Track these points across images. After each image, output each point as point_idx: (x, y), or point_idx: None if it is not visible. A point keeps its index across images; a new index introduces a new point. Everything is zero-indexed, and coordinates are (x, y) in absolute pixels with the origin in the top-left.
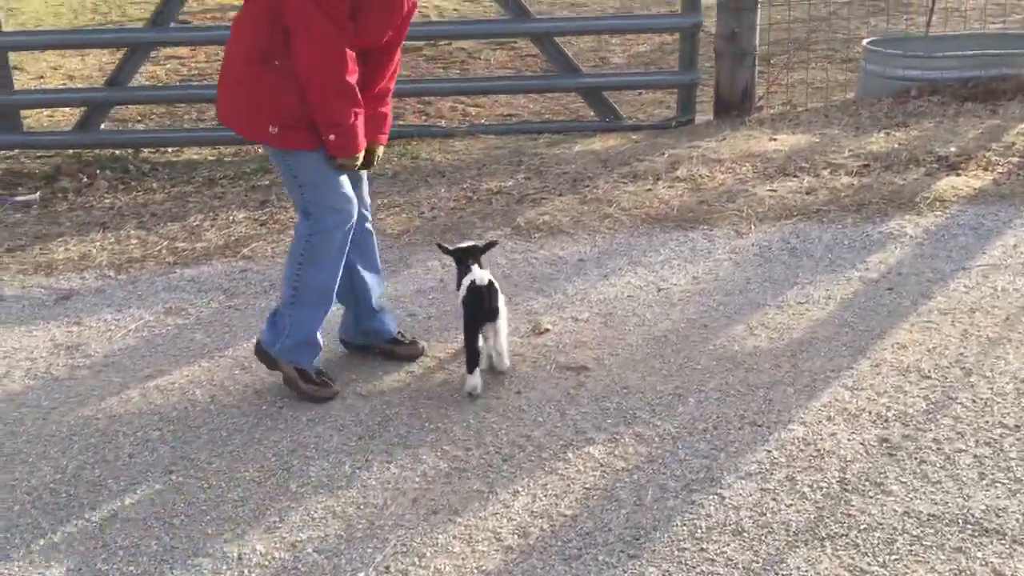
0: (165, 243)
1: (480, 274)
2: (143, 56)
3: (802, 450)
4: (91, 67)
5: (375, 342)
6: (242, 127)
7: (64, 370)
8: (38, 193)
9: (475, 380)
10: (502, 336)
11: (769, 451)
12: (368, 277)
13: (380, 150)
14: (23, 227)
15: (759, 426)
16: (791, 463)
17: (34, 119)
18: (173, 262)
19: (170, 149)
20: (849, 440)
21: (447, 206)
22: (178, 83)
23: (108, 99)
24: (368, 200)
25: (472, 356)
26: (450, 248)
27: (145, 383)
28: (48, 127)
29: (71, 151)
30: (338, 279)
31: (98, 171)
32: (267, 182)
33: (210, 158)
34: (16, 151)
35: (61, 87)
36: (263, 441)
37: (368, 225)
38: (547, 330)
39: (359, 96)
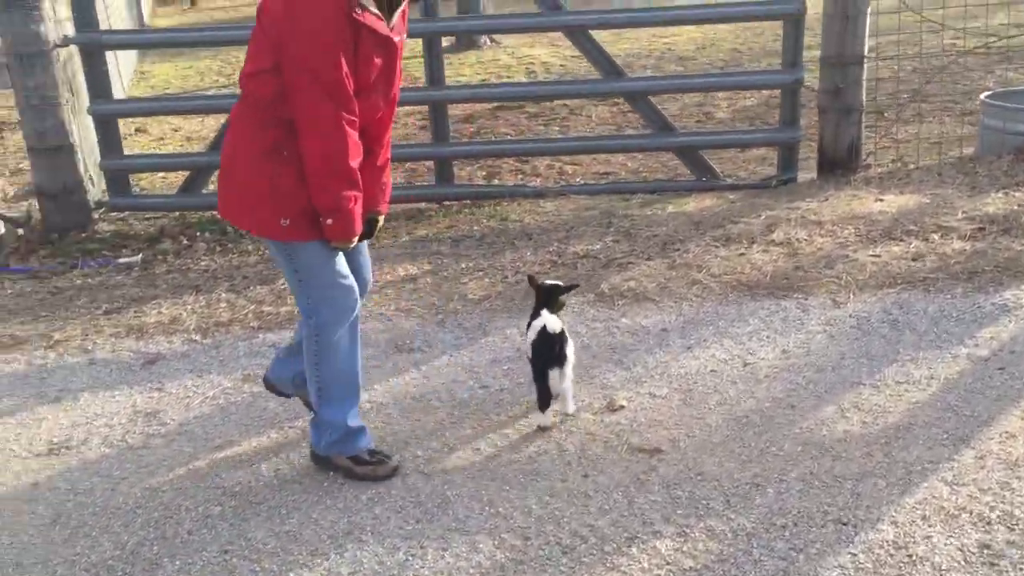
0: (252, 307)
1: (552, 320)
2: None
3: (891, 555)
4: (209, 127)
5: (297, 392)
6: (248, 221)
7: (139, 438)
8: (140, 256)
9: (547, 419)
10: (568, 381)
11: (854, 555)
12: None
13: (381, 219)
14: (122, 289)
15: (844, 524)
16: (878, 570)
17: (147, 181)
18: (257, 326)
19: None
20: (946, 545)
21: (532, 271)
22: None
23: (211, 163)
24: (368, 272)
25: (544, 396)
26: (538, 282)
27: (214, 454)
28: (159, 188)
29: (176, 213)
30: (359, 364)
31: (198, 233)
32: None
33: None
34: (126, 213)
35: (166, 152)
36: (320, 521)
37: (369, 283)
38: (622, 407)
39: (359, 181)
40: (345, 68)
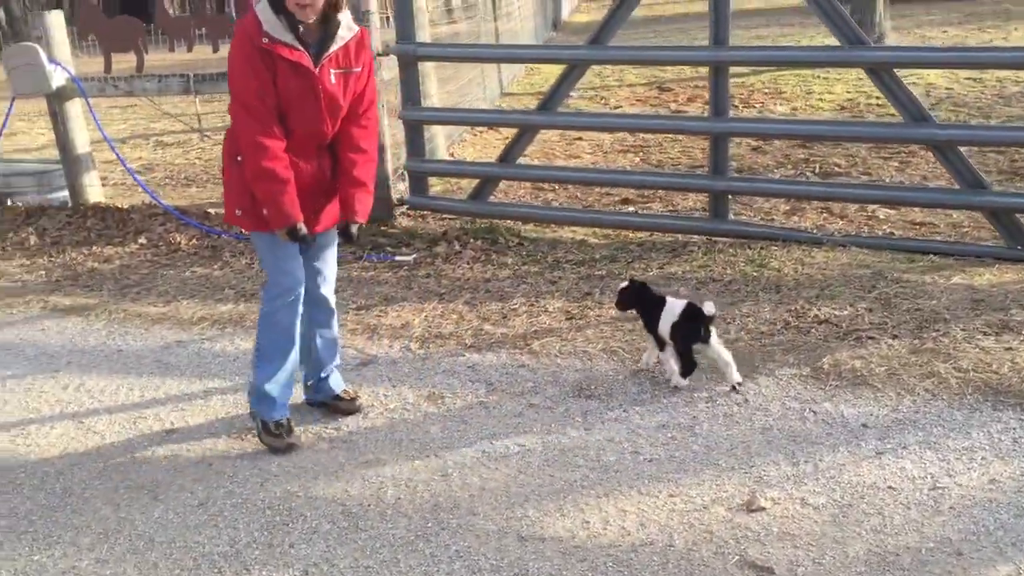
0: (476, 323)
1: (681, 302)
2: (531, 136)
3: None
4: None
5: (322, 399)
6: (225, 214)
7: (311, 438)
8: (413, 256)
9: (685, 381)
10: (723, 350)
11: None
12: (321, 346)
13: (355, 228)
14: (382, 287)
15: None
16: None
17: (450, 185)
18: (469, 344)
19: (549, 225)
20: None
21: (758, 329)
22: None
23: (499, 174)
24: (328, 283)
25: (689, 365)
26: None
27: (359, 470)
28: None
29: (464, 218)
30: (289, 339)
31: (471, 240)
32: (603, 272)
33: (578, 238)
34: (425, 212)
35: (463, 160)
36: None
37: (330, 299)
38: (762, 508)
39: (280, 177)
40: (255, 87)
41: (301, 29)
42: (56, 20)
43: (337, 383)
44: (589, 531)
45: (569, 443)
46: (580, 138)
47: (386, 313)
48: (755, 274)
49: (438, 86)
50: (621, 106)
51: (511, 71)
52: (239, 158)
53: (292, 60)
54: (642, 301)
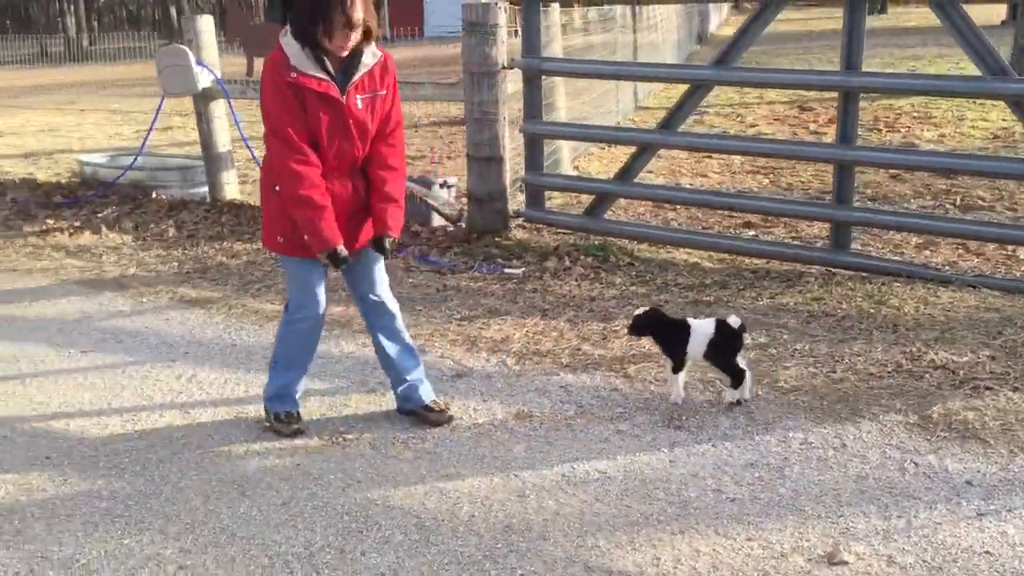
0: (575, 343)
1: (707, 322)
2: (651, 154)
3: None
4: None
5: (412, 408)
6: (263, 237)
7: (398, 447)
8: (522, 269)
9: (738, 393)
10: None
11: None
12: (393, 351)
13: (388, 241)
14: (488, 299)
15: None
16: None
17: (570, 199)
18: (565, 364)
19: (664, 246)
20: None
21: (866, 370)
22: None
23: (615, 191)
24: (379, 286)
25: (739, 375)
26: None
27: (438, 483)
28: (571, 206)
29: (579, 233)
30: (310, 353)
31: (581, 256)
32: (712, 298)
33: (691, 260)
34: (540, 225)
35: (579, 175)
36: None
37: (390, 305)
38: (844, 562)
39: (318, 204)
40: (288, 120)
41: (326, 59)
42: (206, 24)
43: (427, 393)
44: (659, 569)
45: (651, 474)
46: (710, 156)
47: (488, 326)
48: (872, 311)
49: (570, 98)
50: (757, 124)
51: (649, 84)
52: (277, 188)
53: (320, 91)
54: (662, 327)
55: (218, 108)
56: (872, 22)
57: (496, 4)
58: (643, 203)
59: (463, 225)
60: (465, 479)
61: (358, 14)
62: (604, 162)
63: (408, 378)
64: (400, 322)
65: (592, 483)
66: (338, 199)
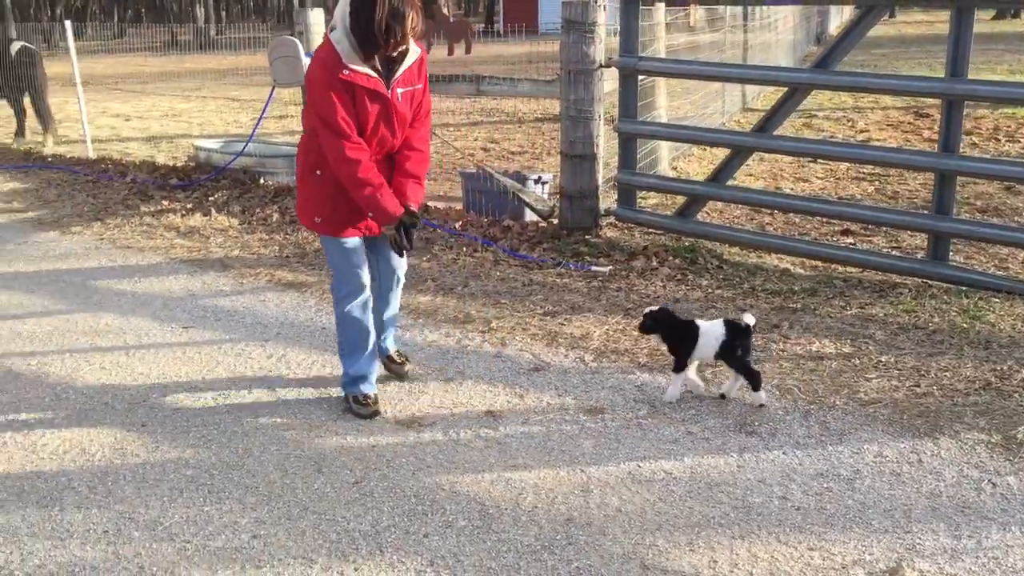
0: (654, 343)
1: (717, 323)
2: (744, 158)
3: None
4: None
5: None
6: (301, 218)
7: (469, 434)
8: (609, 268)
9: (761, 396)
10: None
11: None
12: (386, 314)
13: (410, 212)
14: (572, 296)
15: None
16: None
17: (664, 199)
18: (642, 363)
19: (755, 250)
20: None
21: (953, 386)
22: (766, 188)
23: (707, 193)
24: (397, 264)
25: (755, 376)
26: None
27: (505, 472)
28: (665, 206)
29: (668, 234)
30: (365, 333)
31: (669, 257)
32: (799, 305)
33: (781, 266)
34: (630, 225)
35: (671, 176)
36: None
37: (400, 274)
38: None
39: (375, 182)
40: (342, 113)
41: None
42: (317, 17)
43: (391, 343)
44: (715, 571)
45: (717, 477)
46: (814, 160)
47: (570, 322)
48: (965, 326)
49: (674, 98)
50: (868, 130)
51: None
52: (318, 172)
53: (369, 88)
54: (671, 326)
55: None
56: (1003, 26)
57: (596, 2)
58: (740, 207)
59: (555, 221)
60: (531, 470)
61: (413, 25)
62: (703, 163)
63: (383, 334)
64: (400, 289)
65: (657, 482)
66: None
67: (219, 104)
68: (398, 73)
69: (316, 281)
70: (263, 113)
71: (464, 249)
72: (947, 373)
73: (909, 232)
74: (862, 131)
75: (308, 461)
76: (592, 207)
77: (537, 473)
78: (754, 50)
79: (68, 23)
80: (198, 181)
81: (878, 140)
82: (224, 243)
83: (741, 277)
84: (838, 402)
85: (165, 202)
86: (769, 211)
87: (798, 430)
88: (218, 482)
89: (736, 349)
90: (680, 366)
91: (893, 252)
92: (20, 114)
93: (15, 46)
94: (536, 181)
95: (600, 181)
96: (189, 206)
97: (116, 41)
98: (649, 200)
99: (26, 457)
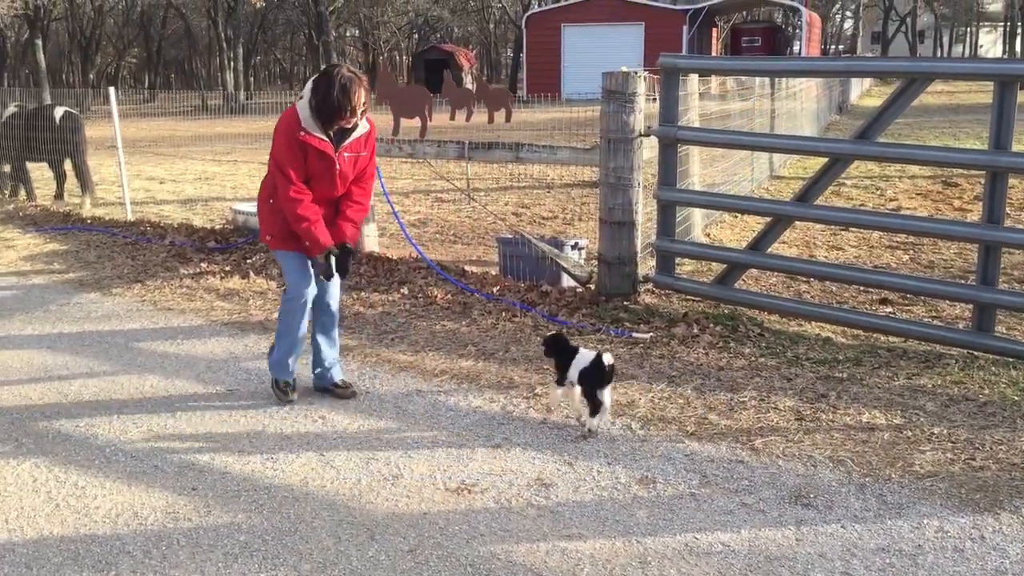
0: (701, 411)
1: (590, 353)
2: (784, 227)
3: None
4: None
5: (324, 385)
6: (261, 236)
7: (521, 502)
8: (650, 335)
9: (595, 421)
10: (608, 399)
11: None
12: (324, 344)
13: (346, 246)
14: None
15: None
16: None
17: (699, 266)
18: (691, 432)
19: (795, 319)
20: None
21: (1009, 460)
22: (800, 255)
23: (748, 261)
24: (331, 292)
25: (596, 405)
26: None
27: (560, 542)
28: (701, 273)
29: (706, 301)
30: (298, 330)
31: (710, 325)
32: (844, 375)
33: (823, 335)
34: (669, 291)
35: (711, 244)
36: None
37: (333, 307)
38: None
39: (312, 218)
40: (293, 165)
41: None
42: None
43: (337, 374)
44: None
45: (776, 551)
46: (846, 228)
47: (614, 389)
48: (1016, 398)
49: (704, 165)
50: (897, 199)
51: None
52: (271, 200)
53: (319, 149)
54: (560, 350)
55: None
56: None
57: (635, 73)
58: (774, 274)
59: (592, 287)
60: (587, 540)
61: (362, 101)
62: (736, 230)
63: (326, 364)
64: (336, 323)
65: (715, 555)
66: None
67: (251, 168)
68: (347, 141)
69: (357, 345)
70: None
71: (503, 314)
72: (1002, 446)
73: (947, 302)
74: (891, 199)
75: (361, 528)
76: (631, 273)
77: (592, 544)
78: (780, 118)
79: (112, 89)
80: (236, 244)
81: (907, 209)
82: (263, 305)
83: (784, 345)
84: (893, 475)
85: (204, 264)
86: (805, 279)
87: (855, 503)
88: (272, 548)
89: (591, 377)
90: (560, 382)
91: (935, 322)
92: (61, 177)
93: (59, 111)
94: (573, 247)
95: (639, 248)
96: (227, 268)
97: (147, 105)
98: (684, 267)
99: (79, 520)
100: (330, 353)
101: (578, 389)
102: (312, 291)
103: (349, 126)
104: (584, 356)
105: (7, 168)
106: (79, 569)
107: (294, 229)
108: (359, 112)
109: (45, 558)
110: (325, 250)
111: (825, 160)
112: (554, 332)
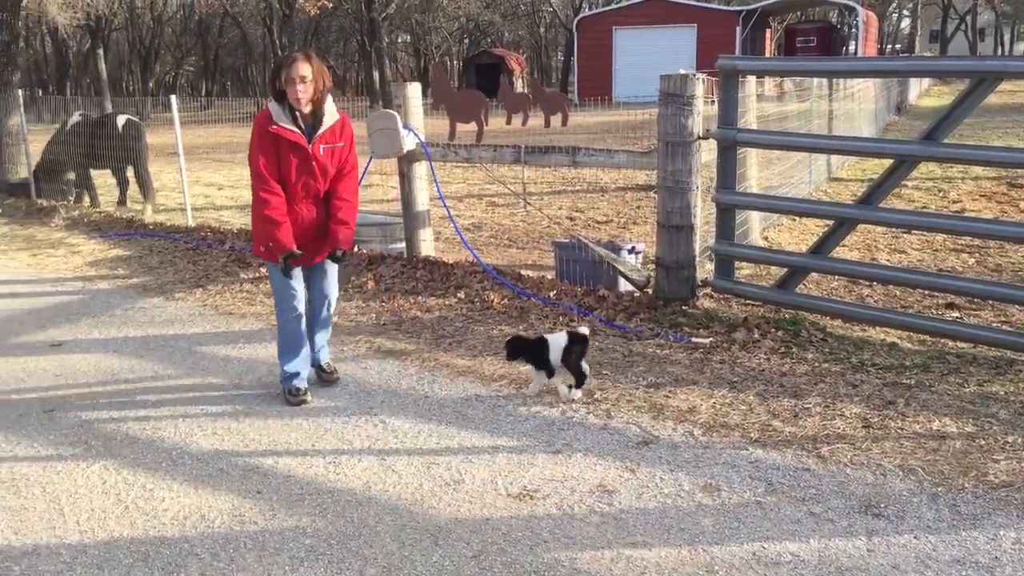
0: (765, 418)
1: (560, 335)
2: (848, 230)
3: None
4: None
5: (311, 364)
6: (254, 248)
7: (583, 509)
8: (709, 340)
9: (579, 393)
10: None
11: None
12: (318, 332)
13: (339, 252)
14: (675, 367)
15: None
16: None
17: (758, 269)
18: (754, 439)
19: (858, 324)
20: None
21: None
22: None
23: (808, 265)
24: (329, 291)
25: (582, 376)
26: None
27: (625, 550)
28: (760, 276)
29: (766, 305)
30: (297, 338)
31: (772, 330)
32: (912, 381)
33: (888, 340)
34: (728, 296)
35: (773, 247)
36: None
37: (331, 298)
38: None
39: (276, 220)
40: (263, 163)
41: (299, 117)
42: (414, 91)
43: (324, 357)
44: None
45: (848, 563)
46: (908, 231)
47: (674, 394)
48: None
49: (761, 168)
50: (960, 200)
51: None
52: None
53: (292, 140)
54: (526, 348)
55: (420, 169)
56: None
57: (694, 76)
58: (834, 278)
59: (650, 291)
60: (652, 548)
61: (301, 72)
62: (795, 234)
63: (317, 348)
64: (330, 314)
65: (784, 565)
66: (305, 220)
67: None
68: (319, 131)
69: (415, 349)
70: (360, 182)
71: (560, 319)
72: None
73: (1017, 307)
74: (954, 201)
75: (424, 533)
76: (689, 277)
77: (658, 552)
78: (838, 120)
79: (173, 97)
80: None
81: (972, 211)
82: None
83: (848, 351)
84: (967, 484)
85: (263, 269)
86: (867, 283)
87: (927, 513)
88: (337, 552)
89: (572, 353)
90: (550, 374)
91: (1005, 327)
92: (124, 184)
93: (121, 119)
94: (630, 251)
95: (697, 251)
96: None
97: (204, 113)
98: (742, 271)
99: (148, 522)
100: (323, 340)
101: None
102: (304, 301)
103: (302, 104)
104: (558, 339)
105: (72, 175)
106: (149, 571)
107: (258, 229)
108: (302, 79)
109: (116, 560)
110: (285, 253)
111: (890, 162)
112: (511, 336)
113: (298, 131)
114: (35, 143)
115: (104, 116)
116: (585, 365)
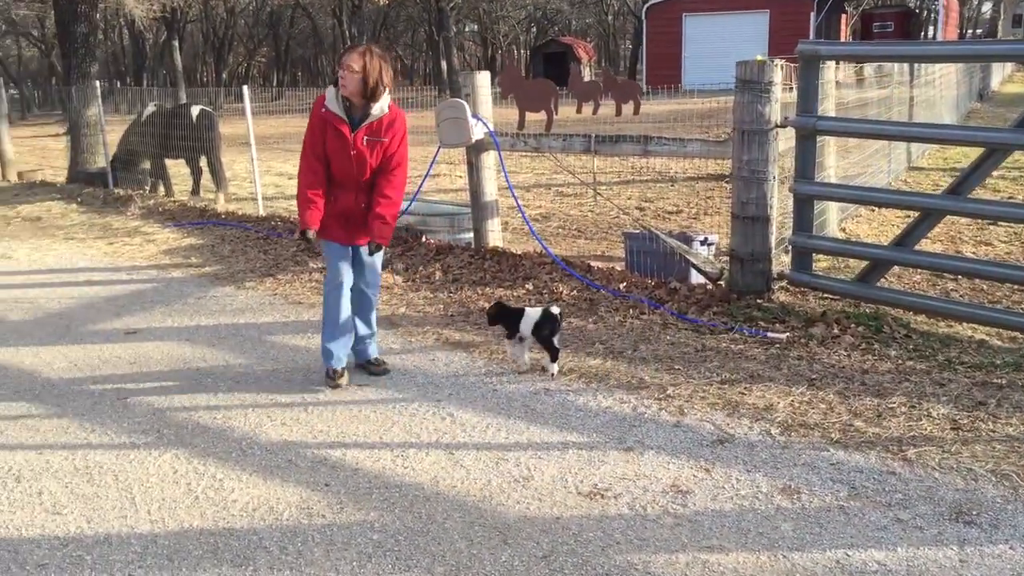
0: (847, 417)
1: (536, 310)
2: (935, 221)
3: None
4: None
5: (360, 361)
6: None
7: (657, 508)
8: (786, 335)
9: (555, 367)
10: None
11: None
12: (361, 326)
13: (374, 246)
14: (750, 363)
15: None
16: None
17: (836, 262)
18: (836, 439)
19: (944, 319)
20: None
21: None
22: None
23: (891, 258)
24: (368, 278)
25: (555, 351)
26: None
27: (701, 554)
28: (837, 270)
29: (845, 299)
30: (335, 312)
31: (852, 325)
32: (1004, 380)
33: (977, 337)
34: (804, 289)
35: (853, 239)
36: None
37: (369, 293)
38: None
39: (309, 199)
40: (311, 141)
41: (349, 106)
42: (483, 80)
43: (373, 352)
44: None
45: (938, 573)
46: (995, 223)
47: (750, 391)
48: None
49: (838, 157)
50: None
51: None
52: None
53: (336, 126)
54: (506, 314)
55: (488, 159)
56: None
57: (772, 62)
58: (917, 271)
59: (723, 284)
60: (729, 553)
61: (350, 62)
62: (874, 225)
63: (364, 342)
64: (374, 307)
65: (869, 574)
66: (342, 204)
67: None
68: (364, 123)
69: (483, 341)
70: (428, 172)
71: (630, 311)
72: None
73: None
74: None
75: (493, 531)
76: (764, 270)
77: (735, 557)
78: (919, 107)
79: (245, 88)
80: None
81: None
82: (390, 300)
83: (934, 348)
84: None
85: None
86: (952, 276)
87: (1022, 521)
88: (405, 549)
89: (543, 328)
90: (510, 336)
91: None
92: (197, 173)
93: (195, 110)
94: (703, 243)
95: (773, 244)
96: None
97: (275, 103)
98: (819, 263)
99: (217, 513)
100: (368, 334)
101: (530, 340)
102: (349, 279)
103: (349, 92)
104: (532, 313)
105: (147, 165)
106: (218, 563)
107: (299, 205)
108: (350, 70)
109: (186, 551)
110: (304, 228)
111: (976, 151)
112: (495, 302)
113: (344, 118)
114: (112, 133)
115: (178, 107)
116: (556, 341)
